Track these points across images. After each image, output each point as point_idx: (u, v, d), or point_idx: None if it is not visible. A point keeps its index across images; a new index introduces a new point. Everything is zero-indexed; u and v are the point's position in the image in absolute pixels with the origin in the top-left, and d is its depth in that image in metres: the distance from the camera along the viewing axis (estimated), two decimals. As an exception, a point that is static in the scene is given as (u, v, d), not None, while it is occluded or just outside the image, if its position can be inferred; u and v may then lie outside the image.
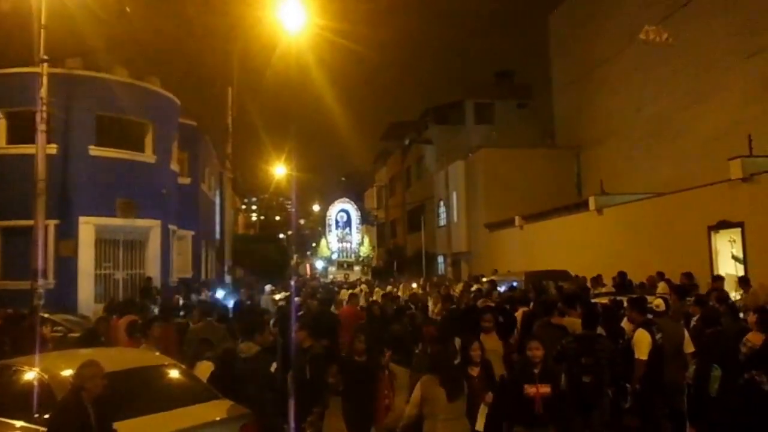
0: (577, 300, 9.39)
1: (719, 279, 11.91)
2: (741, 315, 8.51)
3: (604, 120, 26.34)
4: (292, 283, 25.85)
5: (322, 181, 70.18)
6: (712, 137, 19.10)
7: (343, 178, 75.78)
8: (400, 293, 18.86)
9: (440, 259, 35.21)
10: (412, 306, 13.08)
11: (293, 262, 42.00)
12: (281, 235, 71.81)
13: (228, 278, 23.64)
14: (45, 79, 13.33)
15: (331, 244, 54.63)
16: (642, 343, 6.80)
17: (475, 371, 6.07)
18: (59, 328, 12.63)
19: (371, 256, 52.25)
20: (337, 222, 55.87)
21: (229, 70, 23.13)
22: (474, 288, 16.06)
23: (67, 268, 17.07)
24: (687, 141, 20.61)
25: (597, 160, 26.93)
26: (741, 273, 13.39)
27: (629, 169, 23.64)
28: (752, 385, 5.99)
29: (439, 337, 9.11)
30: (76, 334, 11.34)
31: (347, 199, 57.67)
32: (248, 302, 15.12)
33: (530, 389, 5.54)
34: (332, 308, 13.10)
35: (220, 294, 18.13)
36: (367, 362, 7.09)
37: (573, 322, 8.30)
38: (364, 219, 57.37)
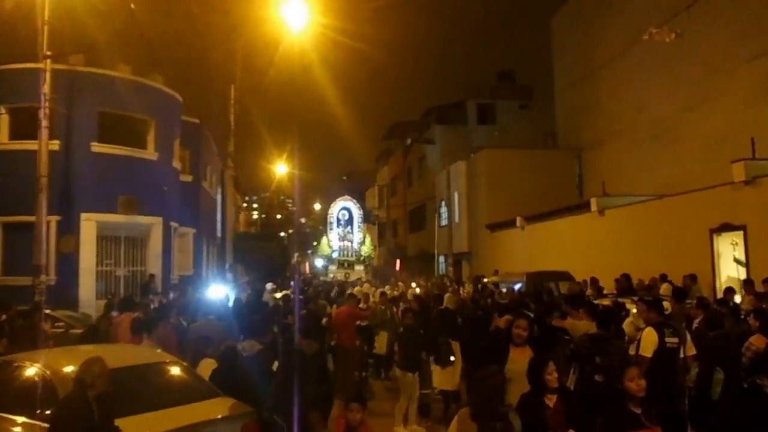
0: (579, 301, 9.43)
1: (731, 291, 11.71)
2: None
3: (605, 121, 26.32)
4: (293, 282, 25.85)
5: (323, 180, 70.20)
6: (714, 139, 19.08)
7: (345, 177, 75.74)
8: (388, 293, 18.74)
9: (441, 259, 35.21)
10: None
11: (294, 260, 41.96)
12: (282, 234, 71.88)
13: (229, 276, 23.61)
14: (48, 76, 13.30)
15: (332, 242, 54.33)
16: (648, 341, 6.69)
17: (551, 400, 4.68)
18: (60, 324, 12.66)
19: (372, 255, 52.13)
20: (338, 220, 55.54)
21: (231, 68, 23.10)
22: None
23: (68, 264, 17.06)
24: (689, 143, 20.58)
25: (598, 161, 26.91)
26: (743, 276, 13.39)
27: (631, 170, 23.62)
28: (755, 389, 5.99)
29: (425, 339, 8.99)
30: (78, 331, 11.35)
31: (349, 197, 57.33)
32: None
33: None
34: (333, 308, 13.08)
35: (216, 292, 17.39)
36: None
37: (574, 324, 8.30)
38: (366, 218, 57.26)
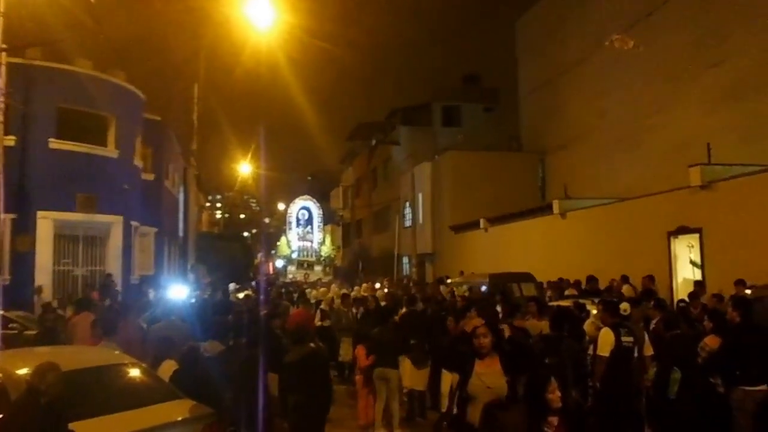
0: (537, 303, 9.67)
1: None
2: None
3: (569, 125, 26.74)
4: (254, 282, 25.63)
5: (288, 180, 69.61)
6: (673, 145, 19.53)
7: (310, 178, 75.31)
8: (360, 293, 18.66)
9: (405, 260, 35.29)
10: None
11: (257, 260, 41.54)
12: (245, 234, 71.15)
13: (191, 276, 23.30)
14: (4, 69, 12.99)
15: (291, 242, 53.68)
16: (605, 341, 6.90)
17: (552, 425, 4.03)
18: (14, 325, 12.31)
19: (333, 256, 51.82)
20: (298, 220, 54.88)
21: (196, 66, 22.83)
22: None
23: (23, 263, 16.63)
24: (649, 148, 21.05)
25: (561, 164, 27.31)
26: (698, 277, 13.75)
27: (593, 174, 24.03)
28: (709, 388, 6.14)
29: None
30: (32, 332, 11.06)
31: (309, 197, 56.81)
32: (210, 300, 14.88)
33: None
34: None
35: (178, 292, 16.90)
36: None
37: (535, 325, 8.43)
38: (329, 218, 57.01)
